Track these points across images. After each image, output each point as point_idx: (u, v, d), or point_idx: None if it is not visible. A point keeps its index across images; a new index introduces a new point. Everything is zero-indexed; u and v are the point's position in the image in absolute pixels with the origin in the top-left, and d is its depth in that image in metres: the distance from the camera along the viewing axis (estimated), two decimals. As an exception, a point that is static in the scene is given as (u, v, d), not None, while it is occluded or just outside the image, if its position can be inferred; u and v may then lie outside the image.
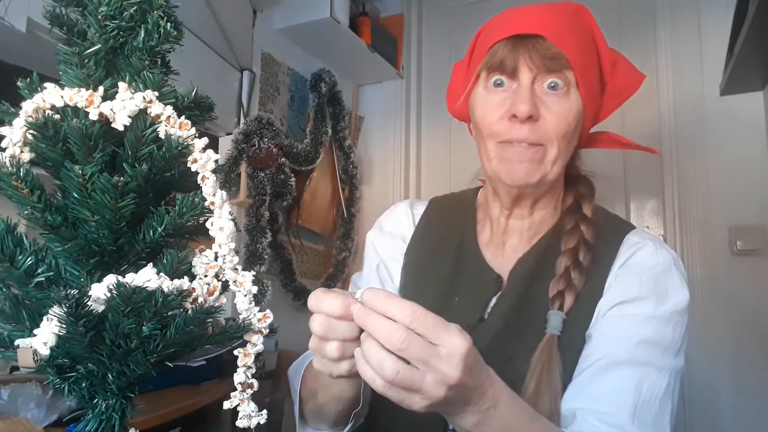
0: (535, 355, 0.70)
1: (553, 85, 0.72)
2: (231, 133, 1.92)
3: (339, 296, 0.53)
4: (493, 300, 0.79)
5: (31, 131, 0.48)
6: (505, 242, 0.84)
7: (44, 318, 0.44)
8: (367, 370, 0.50)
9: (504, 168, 0.75)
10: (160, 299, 0.45)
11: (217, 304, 0.50)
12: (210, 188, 0.50)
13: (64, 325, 0.43)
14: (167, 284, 0.46)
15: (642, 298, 0.74)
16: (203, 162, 0.50)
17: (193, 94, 0.54)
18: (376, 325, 0.50)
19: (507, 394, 0.58)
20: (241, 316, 0.52)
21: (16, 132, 0.48)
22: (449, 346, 0.50)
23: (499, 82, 0.75)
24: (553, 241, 0.80)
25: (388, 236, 0.92)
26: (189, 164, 0.50)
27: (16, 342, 0.44)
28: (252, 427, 0.53)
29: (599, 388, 0.69)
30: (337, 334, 0.53)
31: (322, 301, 0.54)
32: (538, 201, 0.82)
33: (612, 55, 0.80)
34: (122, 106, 0.48)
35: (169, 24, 0.52)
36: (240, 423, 0.53)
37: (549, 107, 0.72)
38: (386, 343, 0.49)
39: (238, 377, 0.53)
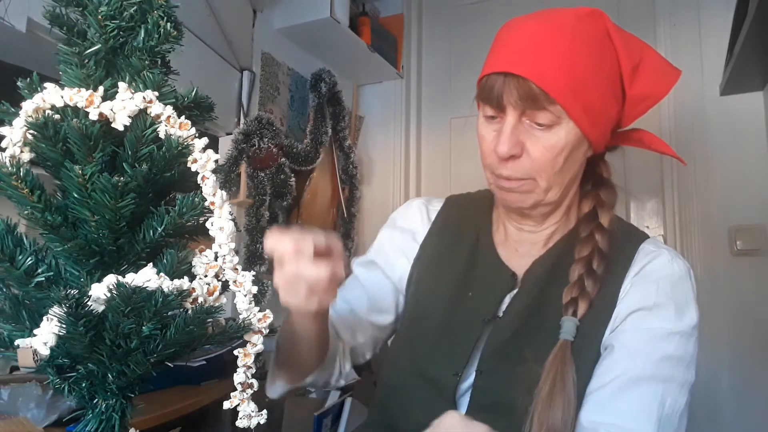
0: (549, 360, 0.71)
1: (539, 122, 0.71)
2: (231, 133, 1.92)
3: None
4: (507, 298, 0.80)
5: (31, 131, 0.48)
6: (518, 248, 0.85)
7: (44, 318, 0.44)
8: None
9: (499, 194, 0.79)
10: (160, 299, 0.45)
11: (217, 304, 0.50)
12: (210, 188, 0.50)
13: (64, 325, 0.43)
14: (167, 284, 0.46)
15: (660, 305, 0.74)
16: (203, 162, 0.50)
17: (193, 94, 0.54)
18: None
19: None
20: (241, 316, 0.52)
21: (16, 132, 0.48)
22: None
23: (491, 115, 0.75)
24: (568, 247, 0.80)
25: (399, 231, 0.93)
26: (189, 164, 0.50)
27: (16, 342, 0.44)
28: (252, 427, 0.53)
29: (624, 405, 0.69)
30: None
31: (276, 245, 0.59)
32: (548, 216, 0.82)
33: (635, 57, 0.75)
34: (122, 106, 0.48)
35: (169, 24, 0.52)
36: (240, 423, 0.53)
37: (535, 142, 0.72)
38: None
39: (238, 377, 0.53)
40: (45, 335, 0.43)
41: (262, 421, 0.53)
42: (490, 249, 0.85)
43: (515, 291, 0.80)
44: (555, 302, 0.75)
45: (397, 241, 0.91)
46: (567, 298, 0.74)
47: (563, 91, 0.69)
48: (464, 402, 0.77)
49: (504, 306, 0.79)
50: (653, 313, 0.73)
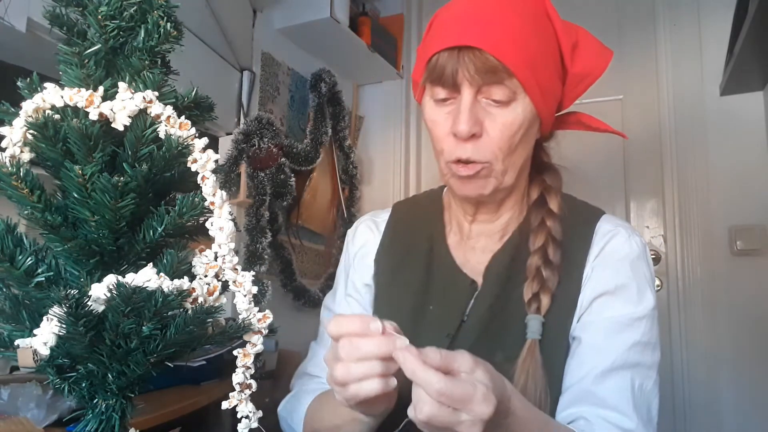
0: (519, 363, 0.70)
1: (496, 98, 0.69)
2: (231, 133, 1.92)
3: (357, 318, 0.56)
4: (470, 303, 0.78)
5: (31, 131, 0.48)
6: (475, 245, 0.82)
7: (44, 318, 0.44)
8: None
9: (456, 184, 0.75)
10: (160, 299, 0.45)
11: (217, 304, 0.50)
12: (210, 188, 0.50)
13: (64, 325, 0.43)
14: (167, 284, 0.46)
15: (621, 286, 0.74)
16: (203, 162, 0.50)
17: (193, 94, 0.54)
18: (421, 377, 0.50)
19: (518, 399, 0.59)
20: (241, 316, 0.52)
21: (16, 132, 0.48)
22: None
23: (442, 97, 0.72)
24: (523, 238, 0.79)
25: (352, 257, 0.90)
26: (189, 164, 0.50)
27: (16, 342, 0.44)
28: (251, 429, 0.53)
29: (602, 396, 0.70)
30: (362, 352, 0.55)
31: (341, 324, 0.56)
32: (503, 203, 0.81)
33: (572, 37, 0.75)
34: (122, 106, 0.48)
35: (169, 24, 0.52)
36: (242, 430, 0.53)
37: (493, 120, 0.70)
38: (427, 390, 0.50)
39: (237, 378, 0.53)
40: (45, 335, 0.43)
41: (254, 425, 0.53)
42: (445, 256, 0.82)
43: (477, 292, 0.78)
44: (517, 299, 0.74)
45: (358, 271, 0.88)
46: (529, 295, 0.73)
47: (520, 64, 0.68)
48: None
49: (468, 310, 0.77)
50: (616, 297, 0.74)
